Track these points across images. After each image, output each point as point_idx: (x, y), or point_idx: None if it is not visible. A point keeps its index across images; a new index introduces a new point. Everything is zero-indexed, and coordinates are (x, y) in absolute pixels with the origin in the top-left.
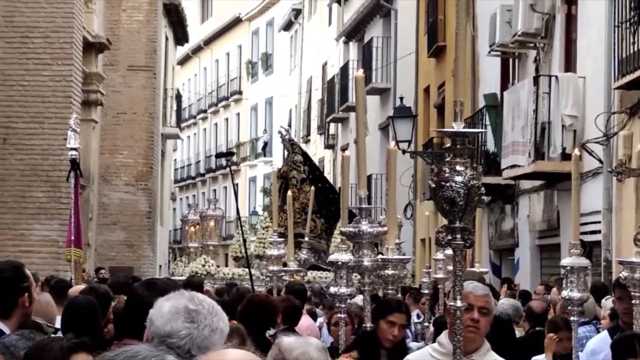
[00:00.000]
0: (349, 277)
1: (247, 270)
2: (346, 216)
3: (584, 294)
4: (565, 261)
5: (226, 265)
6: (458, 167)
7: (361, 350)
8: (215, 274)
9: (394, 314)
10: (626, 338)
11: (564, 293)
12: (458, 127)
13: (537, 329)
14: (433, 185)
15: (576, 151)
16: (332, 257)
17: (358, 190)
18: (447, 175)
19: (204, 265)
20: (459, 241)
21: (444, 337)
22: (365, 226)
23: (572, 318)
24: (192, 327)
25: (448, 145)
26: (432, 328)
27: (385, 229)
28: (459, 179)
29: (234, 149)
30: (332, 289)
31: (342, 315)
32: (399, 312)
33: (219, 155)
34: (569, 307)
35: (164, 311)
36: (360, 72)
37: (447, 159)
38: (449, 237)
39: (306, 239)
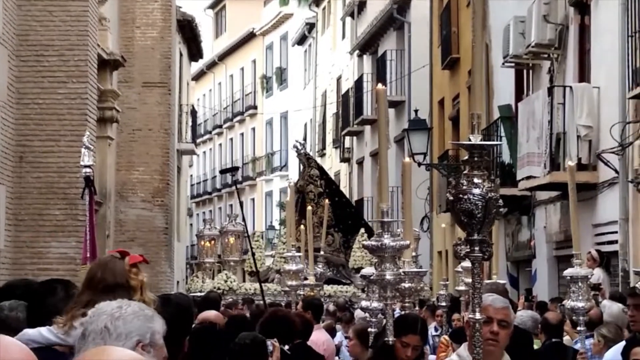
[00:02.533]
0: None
1: (268, 285)
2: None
3: (587, 303)
4: (568, 272)
5: (243, 281)
6: (476, 180)
7: None
8: (237, 289)
9: (408, 336)
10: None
11: (568, 303)
12: (475, 139)
13: (554, 340)
14: (451, 198)
15: (570, 162)
16: (365, 271)
17: (380, 203)
18: (465, 187)
19: (226, 281)
20: (478, 253)
21: (463, 349)
22: (387, 240)
23: (579, 328)
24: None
25: (465, 157)
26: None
27: (408, 242)
28: (476, 191)
29: (249, 163)
30: (364, 303)
31: (373, 330)
32: (413, 333)
33: (223, 171)
34: (574, 317)
35: None
36: (381, 86)
37: (465, 172)
38: (467, 250)
39: (322, 252)
